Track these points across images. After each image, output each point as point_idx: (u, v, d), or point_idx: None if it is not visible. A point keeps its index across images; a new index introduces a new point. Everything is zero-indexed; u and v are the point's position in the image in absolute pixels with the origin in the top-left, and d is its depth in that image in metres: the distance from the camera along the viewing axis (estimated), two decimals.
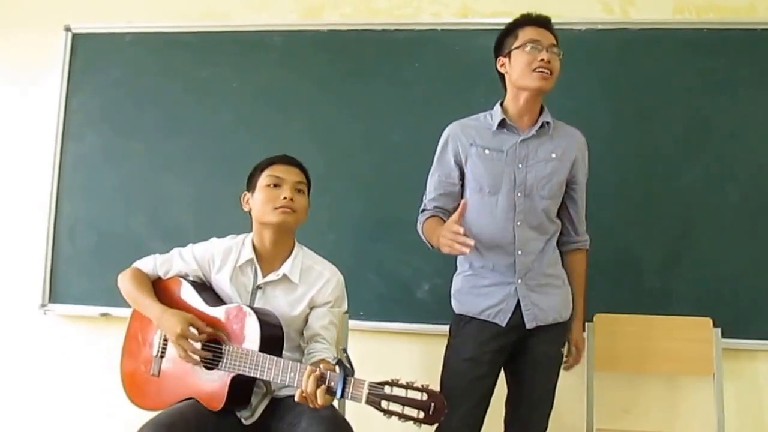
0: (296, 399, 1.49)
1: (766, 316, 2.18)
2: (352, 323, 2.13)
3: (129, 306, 1.80)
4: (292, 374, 1.52)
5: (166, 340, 1.72)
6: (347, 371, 1.44)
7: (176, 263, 1.80)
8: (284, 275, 1.76)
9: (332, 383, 1.45)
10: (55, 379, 2.59)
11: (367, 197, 2.41)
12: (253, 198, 1.80)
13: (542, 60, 1.74)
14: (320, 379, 1.45)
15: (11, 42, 2.73)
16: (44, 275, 2.54)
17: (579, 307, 1.93)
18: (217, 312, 1.69)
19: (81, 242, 2.55)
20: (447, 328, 1.90)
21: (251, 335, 1.61)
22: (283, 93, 2.49)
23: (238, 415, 1.67)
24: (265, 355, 1.57)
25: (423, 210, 1.92)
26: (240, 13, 2.59)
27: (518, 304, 1.79)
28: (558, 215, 1.88)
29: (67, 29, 2.64)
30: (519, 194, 1.79)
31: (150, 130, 2.55)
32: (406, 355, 2.35)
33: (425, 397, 1.38)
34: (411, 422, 1.38)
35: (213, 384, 1.63)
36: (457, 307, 1.88)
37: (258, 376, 1.58)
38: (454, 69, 2.39)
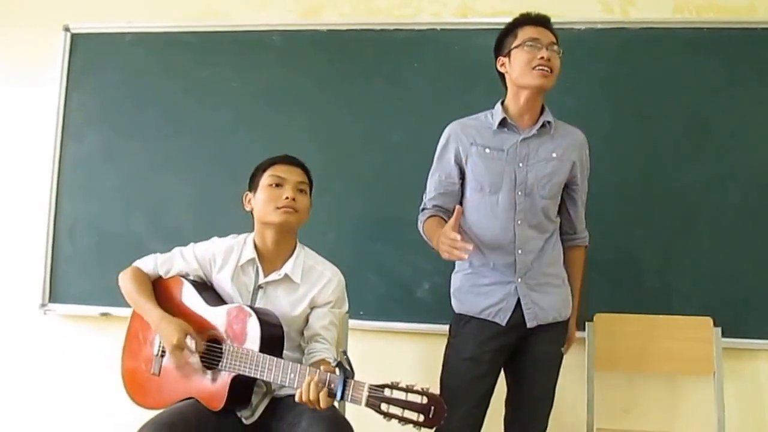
0: (296, 399, 1.49)
1: (766, 315, 2.17)
2: (352, 323, 2.13)
3: (129, 306, 1.80)
4: (293, 375, 1.52)
5: None
6: (347, 373, 1.44)
7: (177, 263, 1.80)
8: (286, 275, 1.76)
9: (332, 385, 1.45)
10: (55, 379, 2.59)
11: (367, 197, 2.40)
12: (255, 198, 1.80)
13: (542, 58, 1.74)
14: (320, 384, 1.45)
15: (10, 42, 2.73)
16: (44, 275, 2.54)
17: (574, 303, 1.93)
18: (218, 312, 1.69)
19: (81, 242, 2.55)
20: (447, 327, 1.91)
21: (252, 335, 1.61)
22: (282, 93, 2.48)
23: (239, 414, 1.67)
24: (265, 355, 1.57)
25: (423, 209, 1.92)
26: (239, 13, 2.59)
27: (518, 303, 1.79)
28: (557, 213, 1.88)
29: (66, 29, 2.63)
30: (519, 193, 1.79)
31: (150, 130, 2.55)
32: (407, 355, 2.35)
33: (425, 400, 1.38)
34: (411, 425, 1.38)
35: (213, 384, 1.63)
36: (457, 306, 1.88)
37: (258, 377, 1.58)
38: (454, 69, 2.38)
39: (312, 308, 1.77)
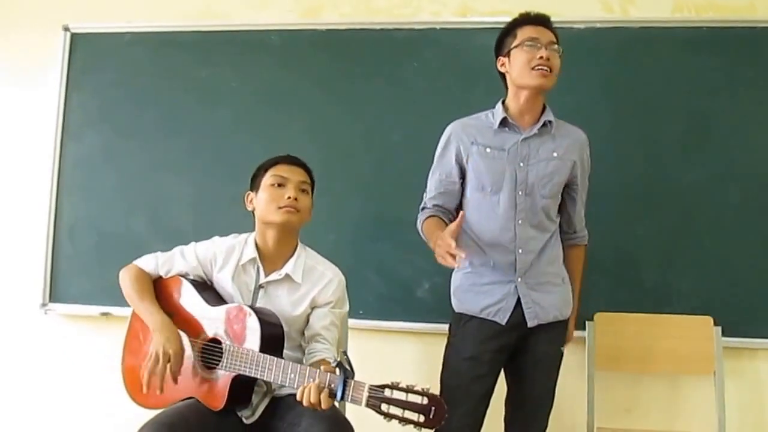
0: (297, 398, 1.49)
1: (766, 314, 2.17)
2: (352, 322, 2.13)
3: (129, 305, 1.80)
4: (293, 375, 1.52)
5: None
6: (347, 373, 1.43)
7: (177, 262, 1.80)
8: (287, 275, 1.76)
9: (332, 385, 1.45)
10: (55, 379, 2.59)
11: (367, 197, 2.40)
12: (257, 197, 1.80)
13: (541, 57, 1.73)
14: (320, 386, 1.45)
15: (10, 42, 2.73)
16: (44, 275, 2.54)
17: (574, 302, 1.93)
18: (218, 311, 1.69)
19: (81, 242, 2.55)
20: (447, 327, 1.90)
21: (252, 335, 1.61)
22: (282, 93, 2.48)
23: (239, 414, 1.67)
24: (265, 355, 1.57)
25: (423, 208, 1.92)
26: (239, 13, 2.59)
27: (518, 303, 1.79)
28: (557, 213, 1.88)
29: (66, 29, 2.63)
30: (520, 193, 1.79)
31: (149, 129, 2.55)
32: (406, 355, 2.35)
33: (426, 400, 1.37)
34: (411, 426, 1.38)
35: (214, 384, 1.63)
36: (456, 305, 1.88)
37: (258, 377, 1.58)
38: (454, 68, 2.38)
39: (313, 308, 1.77)
